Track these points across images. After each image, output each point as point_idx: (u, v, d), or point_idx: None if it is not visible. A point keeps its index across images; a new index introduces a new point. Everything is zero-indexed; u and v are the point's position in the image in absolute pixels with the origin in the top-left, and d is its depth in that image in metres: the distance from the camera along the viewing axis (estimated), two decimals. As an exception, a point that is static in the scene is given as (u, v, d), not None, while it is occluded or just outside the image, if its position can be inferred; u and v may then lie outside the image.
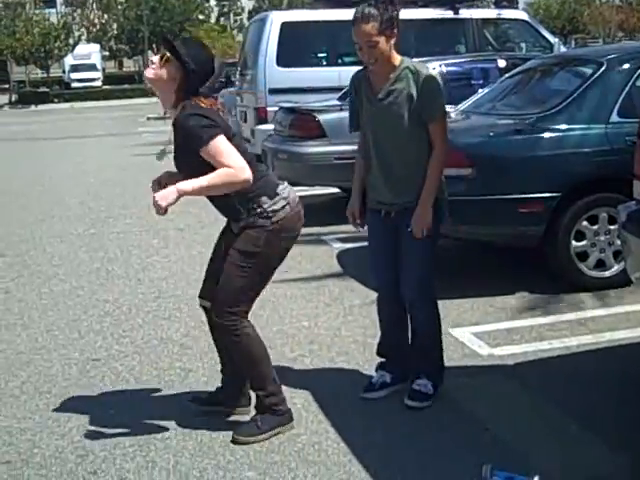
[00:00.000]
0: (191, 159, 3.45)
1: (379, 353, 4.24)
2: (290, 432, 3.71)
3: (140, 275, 6.74)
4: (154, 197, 3.38)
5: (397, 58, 3.79)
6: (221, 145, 3.39)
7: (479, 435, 3.64)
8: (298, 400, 4.03)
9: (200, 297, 3.91)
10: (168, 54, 3.52)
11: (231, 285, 3.59)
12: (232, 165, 3.38)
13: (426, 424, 3.79)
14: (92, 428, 3.87)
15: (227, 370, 3.95)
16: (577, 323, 5.04)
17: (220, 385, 4.02)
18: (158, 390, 4.33)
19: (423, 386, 3.98)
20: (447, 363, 4.37)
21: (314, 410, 3.95)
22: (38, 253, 7.62)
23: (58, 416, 4.01)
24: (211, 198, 3.66)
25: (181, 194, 3.39)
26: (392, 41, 3.72)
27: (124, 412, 4.05)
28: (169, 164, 3.71)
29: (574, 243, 5.57)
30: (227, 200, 3.56)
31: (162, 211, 3.40)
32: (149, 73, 3.57)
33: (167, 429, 3.81)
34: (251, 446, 3.59)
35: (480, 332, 4.97)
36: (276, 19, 10.66)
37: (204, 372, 4.55)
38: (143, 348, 4.98)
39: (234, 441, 3.63)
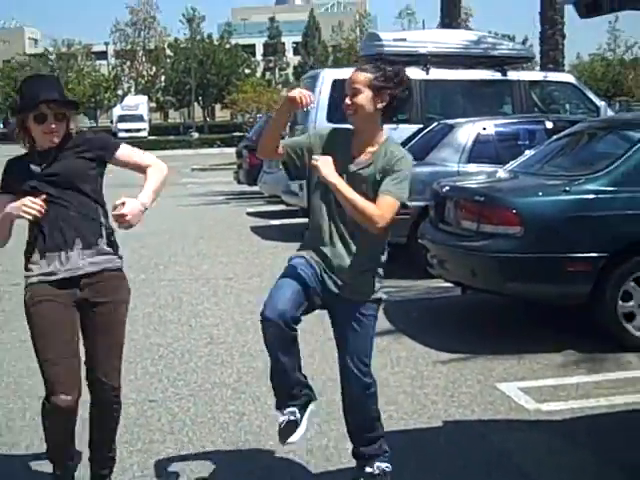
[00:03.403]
0: None
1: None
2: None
3: (192, 321, 6.93)
4: (123, 214, 3.39)
5: (382, 135, 3.54)
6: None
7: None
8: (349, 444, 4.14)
9: (63, 393, 3.37)
10: None
11: (120, 347, 3.59)
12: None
13: (476, 471, 3.89)
14: (152, 462, 4.02)
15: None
16: (623, 382, 5.10)
17: None
18: (214, 433, 4.47)
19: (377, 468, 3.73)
20: (494, 417, 4.49)
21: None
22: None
23: (120, 450, 4.16)
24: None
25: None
26: (379, 106, 3.46)
27: (182, 450, 4.21)
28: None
29: (621, 303, 5.66)
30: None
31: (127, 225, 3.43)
32: None
33: (223, 467, 3.95)
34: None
35: (526, 387, 5.06)
36: (328, 76, 10.99)
37: (257, 416, 4.69)
38: (197, 391, 5.14)
39: None
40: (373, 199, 3.40)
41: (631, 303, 5.68)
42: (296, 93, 3.43)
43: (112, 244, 3.59)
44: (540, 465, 4.00)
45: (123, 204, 3.40)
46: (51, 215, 3.42)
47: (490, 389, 5.05)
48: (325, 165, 3.40)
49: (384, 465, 3.71)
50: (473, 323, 6.76)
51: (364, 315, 3.58)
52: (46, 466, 3.80)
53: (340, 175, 3.44)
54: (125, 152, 3.69)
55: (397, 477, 3.83)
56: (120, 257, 3.63)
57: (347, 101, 3.48)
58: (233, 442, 4.32)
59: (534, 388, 5.04)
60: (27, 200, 3.36)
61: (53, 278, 3.44)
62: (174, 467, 4.01)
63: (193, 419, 4.66)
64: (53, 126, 3.43)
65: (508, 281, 5.82)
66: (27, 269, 3.51)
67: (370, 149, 3.52)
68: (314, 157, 3.46)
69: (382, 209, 3.37)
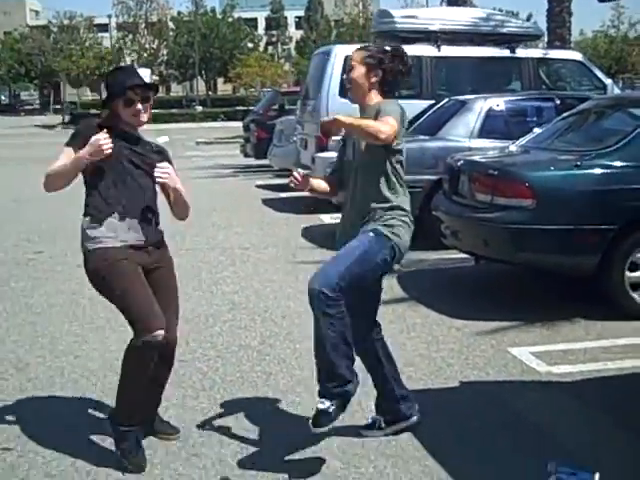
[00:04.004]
0: None
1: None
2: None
3: (212, 289, 7.18)
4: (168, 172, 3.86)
5: (373, 99, 3.87)
6: None
7: (540, 441, 3.98)
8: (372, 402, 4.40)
9: (160, 328, 3.69)
10: None
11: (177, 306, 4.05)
12: None
13: (492, 430, 4.14)
14: (189, 417, 4.30)
15: None
16: (630, 348, 5.35)
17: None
18: (244, 390, 4.74)
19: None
20: (507, 378, 4.75)
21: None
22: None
23: (157, 407, 4.45)
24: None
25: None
26: (372, 80, 3.82)
27: (216, 405, 4.48)
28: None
29: (628, 274, 5.90)
30: None
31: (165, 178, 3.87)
32: None
33: (258, 421, 4.23)
34: (336, 440, 3.98)
35: (537, 352, 5.31)
36: (340, 52, 11.16)
37: (283, 376, 4.95)
38: (224, 353, 5.40)
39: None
40: (371, 154, 3.78)
41: (638, 273, 5.92)
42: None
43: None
44: (552, 423, 4.22)
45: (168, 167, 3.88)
46: (128, 188, 3.81)
47: (503, 353, 5.31)
48: (336, 116, 3.73)
49: (328, 403, 3.63)
50: (485, 292, 7.02)
51: (361, 234, 3.77)
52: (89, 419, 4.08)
53: (354, 150, 3.88)
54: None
55: (415, 435, 4.08)
56: None
57: (343, 76, 3.89)
58: (262, 399, 4.59)
59: (545, 352, 5.30)
60: (101, 138, 3.63)
61: (127, 244, 3.78)
62: (209, 421, 4.28)
63: (223, 378, 4.92)
64: (139, 107, 3.79)
65: (520, 251, 6.07)
66: (94, 237, 3.77)
67: (365, 113, 3.85)
68: (322, 120, 3.87)
69: (380, 122, 3.63)
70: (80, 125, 3.98)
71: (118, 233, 3.77)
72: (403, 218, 3.83)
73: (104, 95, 4.08)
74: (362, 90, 3.87)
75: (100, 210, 3.79)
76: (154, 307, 3.70)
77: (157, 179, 3.83)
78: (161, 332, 3.66)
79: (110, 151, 3.65)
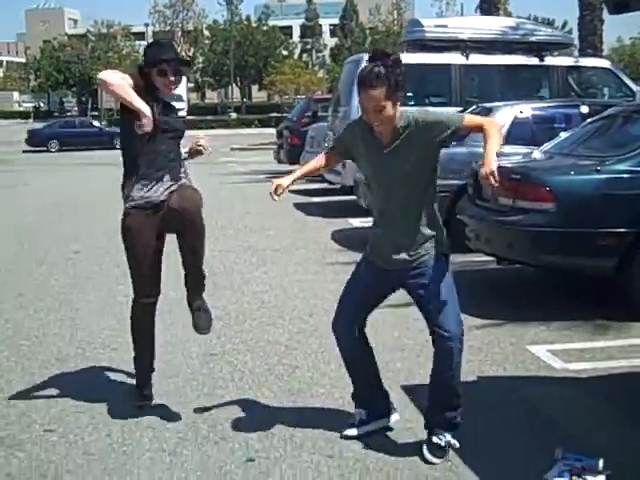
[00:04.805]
0: None
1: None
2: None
3: (243, 288, 7.45)
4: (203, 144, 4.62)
5: (399, 111, 3.77)
6: None
7: (553, 432, 4.16)
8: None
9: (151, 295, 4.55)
10: None
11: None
12: None
13: (507, 424, 4.32)
14: (218, 405, 4.55)
15: None
16: (646, 347, 5.53)
17: None
18: (270, 382, 4.98)
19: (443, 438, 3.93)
20: (524, 373, 4.94)
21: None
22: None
23: (187, 395, 4.70)
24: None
25: None
26: (398, 103, 3.72)
27: (245, 395, 4.73)
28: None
29: (646, 276, 6.06)
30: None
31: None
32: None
33: (283, 410, 4.48)
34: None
35: (555, 350, 5.50)
36: (370, 60, 11.37)
37: (308, 368, 5.18)
38: (253, 347, 5.65)
39: None
40: (417, 170, 3.77)
41: (656, 275, 6.09)
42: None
43: None
44: (568, 416, 4.40)
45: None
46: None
47: (521, 351, 5.49)
48: (489, 166, 3.59)
49: (449, 437, 3.89)
50: (506, 293, 7.21)
51: (433, 271, 3.85)
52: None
53: (378, 159, 3.82)
54: None
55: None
56: None
57: (374, 121, 3.71)
58: (288, 390, 4.82)
59: (562, 350, 5.47)
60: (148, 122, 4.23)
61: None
62: (237, 409, 4.52)
63: (251, 370, 5.17)
64: (172, 78, 4.37)
65: (541, 253, 6.26)
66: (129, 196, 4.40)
67: (398, 127, 3.76)
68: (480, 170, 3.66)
69: (481, 119, 3.92)
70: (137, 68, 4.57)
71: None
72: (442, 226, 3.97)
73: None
74: (394, 117, 3.76)
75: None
76: (151, 280, 4.44)
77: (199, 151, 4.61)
78: (150, 300, 4.47)
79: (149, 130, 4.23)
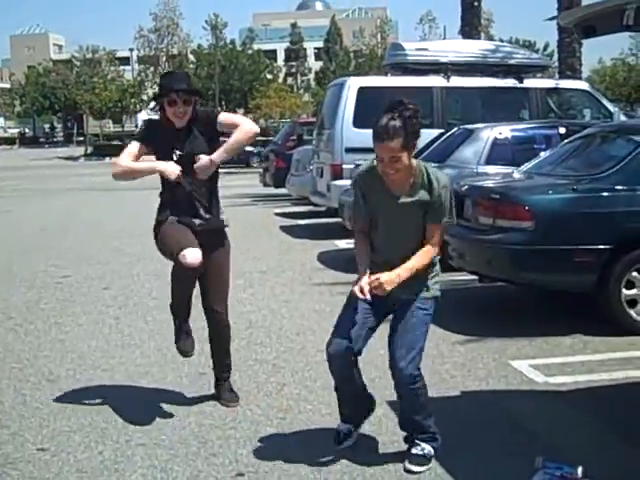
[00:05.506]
0: None
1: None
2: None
3: (231, 309, 7.52)
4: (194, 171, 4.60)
5: (413, 162, 3.86)
6: None
7: (535, 444, 4.28)
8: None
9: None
10: None
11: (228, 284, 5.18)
12: None
13: (490, 437, 4.43)
14: (208, 422, 4.66)
15: None
16: (625, 361, 5.66)
17: None
18: (259, 399, 5.09)
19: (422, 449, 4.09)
20: (506, 387, 5.07)
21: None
22: (138, 288, 8.56)
23: (178, 413, 4.80)
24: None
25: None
26: (413, 153, 3.80)
27: (233, 412, 4.84)
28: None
29: (624, 291, 6.22)
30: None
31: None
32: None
33: (272, 426, 4.59)
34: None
35: (536, 364, 5.63)
36: (354, 84, 11.62)
37: (296, 386, 5.30)
38: (241, 366, 5.75)
39: None
40: (420, 221, 3.93)
41: (634, 291, 6.24)
42: (357, 289, 3.85)
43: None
44: (549, 428, 4.51)
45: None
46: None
47: (503, 366, 5.63)
48: (388, 282, 3.81)
49: (428, 447, 4.06)
50: (488, 310, 7.38)
51: (417, 309, 3.98)
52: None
53: (387, 209, 3.95)
54: (224, 117, 4.71)
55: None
56: None
57: (389, 171, 3.79)
58: (276, 406, 4.93)
59: (543, 365, 5.61)
60: (174, 167, 4.52)
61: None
62: (227, 425, 4.63)
63: (239, 388, 5.26)
64: (181, 110, 4.52)
65: (521, 271, 6.42)
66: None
67: (411, 180, 3.89)
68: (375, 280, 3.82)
69: (434, 241, 3.96)
70: (147, 121, 4.83)
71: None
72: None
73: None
74: (410, 166, 3.84)
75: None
76: (187, 241, 4.52)
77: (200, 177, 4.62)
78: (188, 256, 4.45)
79: (175, 178, 4.50)
